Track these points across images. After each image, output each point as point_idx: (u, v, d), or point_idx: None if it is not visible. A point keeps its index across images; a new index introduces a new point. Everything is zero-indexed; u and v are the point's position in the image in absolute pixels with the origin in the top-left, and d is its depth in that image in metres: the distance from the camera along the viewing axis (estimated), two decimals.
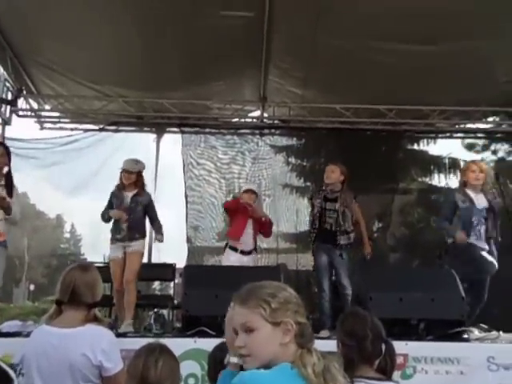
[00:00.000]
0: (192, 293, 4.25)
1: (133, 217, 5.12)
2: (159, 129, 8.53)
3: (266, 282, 1.64)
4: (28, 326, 4.38)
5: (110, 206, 5.25)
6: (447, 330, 4.15)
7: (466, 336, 4.23)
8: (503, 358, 3.88)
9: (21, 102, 7.88)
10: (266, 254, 8.10)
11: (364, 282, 4.61)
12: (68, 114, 8.32)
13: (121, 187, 5.25)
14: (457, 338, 4.14)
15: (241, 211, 5.72)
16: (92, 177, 8.16)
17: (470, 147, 11.09)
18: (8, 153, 4.95)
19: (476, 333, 4.39)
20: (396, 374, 2.43)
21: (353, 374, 2.07)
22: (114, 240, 5.09)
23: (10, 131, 7.79)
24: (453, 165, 10.01)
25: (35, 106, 8.15)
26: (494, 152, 10.33)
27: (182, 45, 6.62)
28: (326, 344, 3.58)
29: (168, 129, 8.58)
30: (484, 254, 4.87)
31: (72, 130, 8.34)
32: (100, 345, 2.42)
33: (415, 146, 10.13)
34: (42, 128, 8.37)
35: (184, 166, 8.30)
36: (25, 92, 7.79)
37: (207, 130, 8.39)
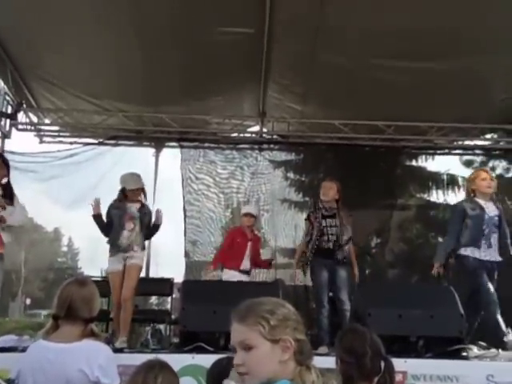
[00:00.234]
0: (190, 308, 4.23)
1: (142, 226, 5.11)
2: (158, 143, 8.54)
3: (264, 299, 1.62)
4: (24, 340, 4.34)
5: (108, 218, 5.20)
6: (446, 347, 4.12)
7: (465, 354, 4.21)
8: (502, 376, 3.84)
9: (21, 116, 7.91)
10: (264, 269, 8.08)
11: (362, 298, 4.58)
12: (67, 127, 8.34)
13: (122, 199, 5.20)
14: (456, 355, 4.11)
15: (240, 238, 5.85)
16: (91, 191, 8.14)
17: (468, 164, 11.11)
18: (6, 164, 4.92)
19: (475, 350, 4.36)
20: None
21: None
22: (113, 251, 5.02)
23: (9, 145, 7.84)
24: (451, 181, 10.04)
25: (35, 119, 8.18)
26: (492, 169, 10.33)
27: (182, 60, 6.66)
28: (325, 360, 3.57)
29: (167, 143, 8.60)
30: (488, 285, 4.69)
31: (71, 143, 8.35)
32: (97, 360, 2.40)
33: (413, 162, 10.16)
34: (42, 142, 8.38)
35: (183, 180, 8.32)
36: (25, 106, 7.82)
37: (206, 144, 8.42)
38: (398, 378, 3.55)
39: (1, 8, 5.90)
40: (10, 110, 7.65)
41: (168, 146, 8.63)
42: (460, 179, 10.31)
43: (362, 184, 8.13)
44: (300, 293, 7.57)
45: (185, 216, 8.25)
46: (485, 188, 4.97)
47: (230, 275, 5.76)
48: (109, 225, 5.17)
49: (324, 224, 5.29)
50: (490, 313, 4.58)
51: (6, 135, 7.74)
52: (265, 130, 8.42)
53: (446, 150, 9.00)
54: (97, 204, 5.18)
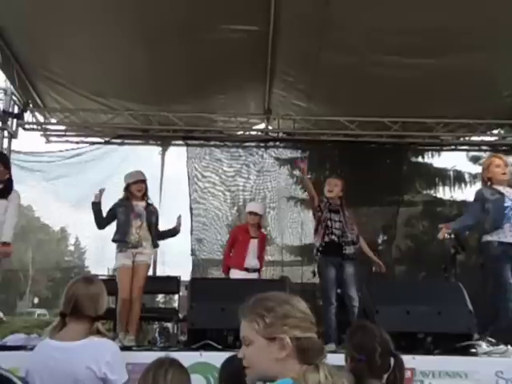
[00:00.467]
0: (198, 306, 4.23)
1: (150, 223, 5.11)
2: (164, 142, 8.56)
3: (271, 294, 1.64)
4: (32, 339, 4.36)
5: (111, 213, 5.22)
6: (455, 343, 4.11)
7: (474, 350, 4.19)
8: None
9: (27, 116, 7.93)
10: (271, 266, 8.10)
11: (370, 295, 4.58)
12: (74, 127, 8.36)
13: (129, 197, 5.21)
14: (465, 352, 4.10)
15: (242, 236, 5.84)
16: (97, 190, 8.17)
17: (474, 160, 11.09)
18: (5, 162, 4.97)
19: (484, 347, 4.34)
20: None
21: None
22: (123, 247, 5.00)
23: (16, 144, 7.87)
24: (457, 177, 10.03)
25: (41, 119, 8.20)
26: None
27: (188, 58, 6.66)
28: (333, 358, 3.58)
29: (173, 142, 8.61)
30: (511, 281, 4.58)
31: (78, 143, 8.37)
32: (104, 357, 2.41)
33: (420, 159, 10.15)
34: (48, 141, 8.41)
35: (189, 178, 8.33)
36: (31, 106, 7.84)
37: (212, 142, 8.42)
38: (407, 374, 3.54)
39: (7, 8, 5.93)
40: (16, 110, 7.66)
41: (174, 145, 8.65)
42: (467, 175, 10.31)
43: (368, 181, 8.11)
44: (307, 290, 7.58)
45: (191, 214, 8.26)
46: (500, 175, 4.84)
47: (236, 274, 5.74)
48: (108, 219, 5.18)
49: (329, 216, 5.29)
50: (507, 310, 4.53)
51: (13, 135, 7.76)
52: (270, 127, 8.42)
53: (453, 146, 8.95)
54: (100, 193, 5.21)
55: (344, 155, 8.47)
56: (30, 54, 6.87)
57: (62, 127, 8.40)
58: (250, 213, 6.00)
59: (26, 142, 8.33)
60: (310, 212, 8.94)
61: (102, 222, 5.21)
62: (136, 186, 5.18)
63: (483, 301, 4.72)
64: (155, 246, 5.20)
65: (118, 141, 8.29)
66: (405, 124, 7.95)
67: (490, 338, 4.47)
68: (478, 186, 9.98)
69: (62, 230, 38.85)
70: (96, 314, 2.52)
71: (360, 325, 2.49)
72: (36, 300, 33.23)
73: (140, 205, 5.16)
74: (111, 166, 8.04)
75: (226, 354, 3.70)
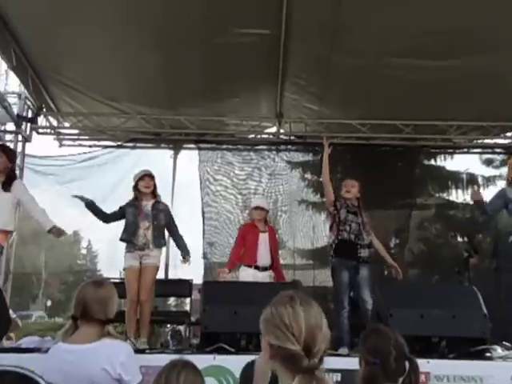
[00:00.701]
0: (211, 309, 4.21)
1: (157, 223, 5.09)
2: (176, 145, 8.58)
3: (282, 293, 1.64)
4: (46, 341, 4.39)
5: (121, 211, 5.23)
6: (469, 347, 4.07)
7: (488, 354, 4.15)
8: None
9: (41, 120, 8.01)
10: (283, 270, 8.05)
11: (383, 298, 4.55)
12: (87, 131, 8.42)
13: (138, 198, 5.21)
14: (480, 356, 4.06)
15: (251, 233, 5.76)
16: (109, 193, 8.22)
17: (488, 163, 10.99)
18: (7, 153, 4.93)
19: (499, 351, 4.30)
20: None
21: None
22: (130, 249, 5.02)
23: (30, 148, 7.96)
24: (471, 180, 9.94)
25: (55, 123, 8.28)
26: None
27: (200, 62, 6.69)
28: (346, 362, 3.56)
29: (185, 145, 8.62)
30: None
31: (90, 146, 8.44)
32: (118, 358, 2.43)
33: (432, 162, 10.08)
34: (61, 145, 8.47)
35: (201, 182, 8.35)
36: (45, 110, 7.91)
37: (224, 146, 8.45)
38: (421, 378, 3.50)
39: (21, 13, 5.99)
40: (30, 114, 7.75)
41: (186, 148, 8.66)
42: (480, 178, 10.22)
43: (380, 184, 8.06)
44: (319, 294, 7.55)
45: (203, 217, 8.28)
46: None
47: (248, 273, 5.65)
48: (116, 216, 5.24)
49: (346, 216, 5.23)
50: None
51: (27, 139, 7.85)
52: (282, 130, 8.42)
53: (466, 149, 8.89)
54: (80, 197, 5.26)
55: (356, 158, 8.43)
56: (43, 59, 6.93)
57: (75, 131, 8.48)
58: (256, 208, 5.92)
59: (40, 145, 8.44)
60: (322, 215, 8.95)
61: (105, 217, 5.25)
62: (143, 183, 5.17)
63: (497, 305, 4.68)
64: (158, 245, 5.09)
65: (131, 144, 8.34)
66: (417, 127, 7.91)
67: (505, 343, 4.43)
68: (492, 189, 9.92)
69: (75, 233, 39.05)
70: (106, 318, 2.53)
71: (374, 328, 2.46)
72: (49, 303, 33.41)
73: (149, 204, 5.15)
74: (123, 169, 8.08)
75: (239, 358, 3.72)
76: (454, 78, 6.60)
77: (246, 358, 3.59)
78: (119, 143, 8.35)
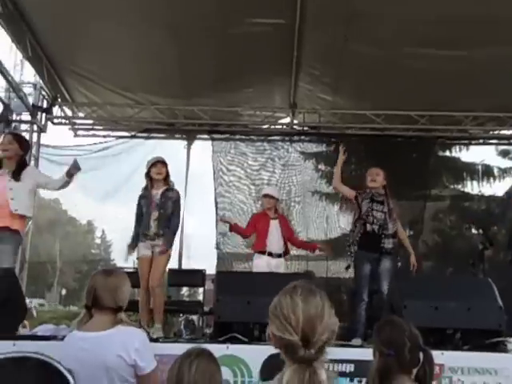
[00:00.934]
0: (224, 299, 4.23)
1: (163, 212, 5.05)
2: (190, 136, 8.60)
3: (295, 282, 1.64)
4: (61, 329, 4.42)
5: (139, 210, 5.24)
6: (484, 340, 4.04)
7: (504, 346, 4.12)
8: None
9: (56, 110, 8.08)
10: (296, 260, 8.06)
11: (398, 290, 4.52)
12: (101, 121, 8.47)
13: (149, 187, 5.19)
14: (495, 348, 4.03)
15: (261, 221, 5.74)
16: (123, 183, 8.28)
17: (504, 154, 10.88)
18: (20, 141, 4.84)
19: None
20: None
21: None
22: (143, 239, 5.04)
23: (45, 138, 8.04)
24: (486, 172, 9.84)
25: (69, 113, 8.33)
26: None
27: (214, 52, 6.68)
28: (360, 352, 3.56)
29: (198, 136, 8.64)
30: None
31: (105, 136, 8.49)
32: (133, 345, 2.46)
33: (447, 153, 10.00)
34: (76, 135, 8.53)
35: (214, 172, 8.36)
36: (60, 100, 7.98)
37: (237, 136, 8.44)
38: (435, 370, 3.50)
39: (37, 4, 6.01)
40: (45, 105, 7.82)
41: (199, 139, 8.68)
42: (495, 170, 10.12)
43: (394, 175, 7.91)
44: (332, 285, 7.54)
45: (216, 208, 8.30)
46: None
47: (262, 259, 5.63)
48: (141, 214, 5.19)
49: (371, 206, 5.10)
50: None
51: (42, 129, 7.92)
52: (296, 121, 8.39)
53: (481, 140, 8.80)
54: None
55: (370, 149, 8.37)
56: (58, 49, 6.97)
57: (90, 121, 8.53)
58: (266, 195, 5.90)
59: (55, 135, 8.49)
60: (336, 206, 8.92)
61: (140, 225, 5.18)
62: (155, 169, 5.13)
63: None
64: (157, 234, 4.99)
65: (144, 135, 8.37)
66: (432, 117, 7.84)
67: None
68: (508, 180, 9.81)
69: (89, 223, 39.58)
70: (116, 306, 2.54)
71: (388, 319, 2.45)
72: (64, 291, 33.84)
73: (159, 193, 5.10)
74: (137, 159, 8.08)
75: (252, 347, 3.74)
76: (470, 69, 6.52)
77: (258, 348, 3.63)
78: (133, 133, 8.38)
